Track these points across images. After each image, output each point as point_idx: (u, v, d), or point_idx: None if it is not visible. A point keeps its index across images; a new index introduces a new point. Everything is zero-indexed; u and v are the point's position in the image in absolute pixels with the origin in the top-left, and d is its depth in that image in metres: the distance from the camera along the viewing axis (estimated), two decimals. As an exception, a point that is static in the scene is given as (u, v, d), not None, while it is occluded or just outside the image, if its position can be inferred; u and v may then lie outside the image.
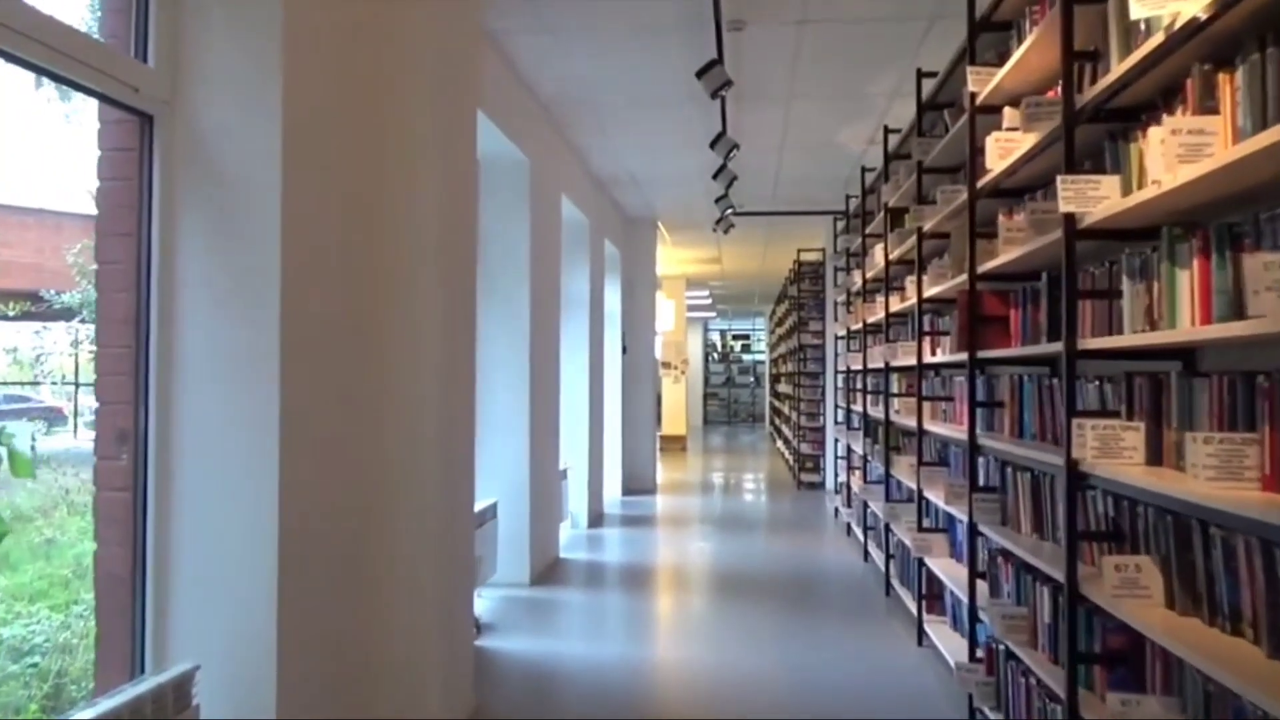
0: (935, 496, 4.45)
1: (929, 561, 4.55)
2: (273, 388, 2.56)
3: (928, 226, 4.59)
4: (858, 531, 7.38)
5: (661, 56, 5.31)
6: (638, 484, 10.75)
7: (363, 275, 3.14)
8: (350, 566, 3.05)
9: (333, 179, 2.92)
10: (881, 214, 5.95)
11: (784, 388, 15.28)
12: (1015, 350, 3.44)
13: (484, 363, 5.94)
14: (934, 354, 4.75)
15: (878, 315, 6.32)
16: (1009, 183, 3.59)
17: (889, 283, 5.82)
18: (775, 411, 18.27)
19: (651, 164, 8.15)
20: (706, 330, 26.79)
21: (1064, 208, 2.59)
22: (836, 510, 8.77)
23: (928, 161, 4.69)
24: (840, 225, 8.85)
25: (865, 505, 6.76)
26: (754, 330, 27.38)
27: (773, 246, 12.61)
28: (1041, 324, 3.27)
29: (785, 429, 14.80)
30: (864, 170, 7.01)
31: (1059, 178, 2.59)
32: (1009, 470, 3.57)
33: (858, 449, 7.34)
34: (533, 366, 5.99)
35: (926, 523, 4.77)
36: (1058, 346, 2.77)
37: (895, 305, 5.70)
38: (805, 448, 11.32)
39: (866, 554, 6.74)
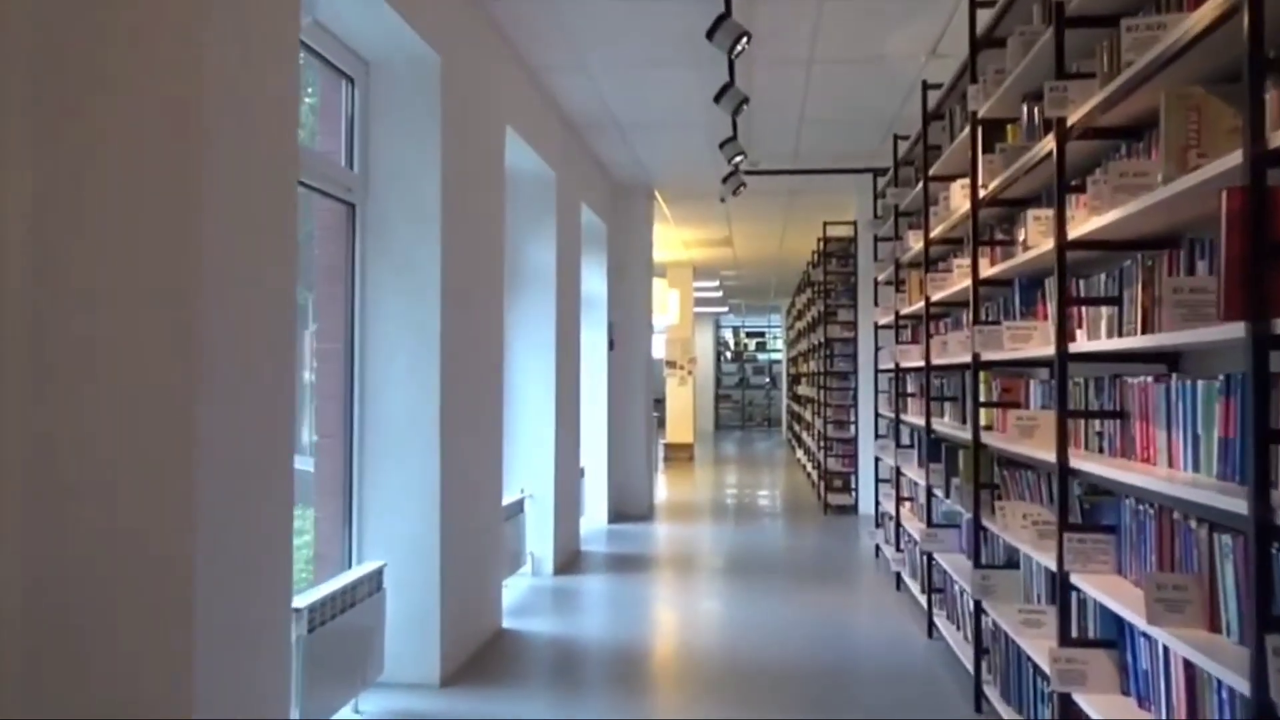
0: (1103, 593, 2.51)
1: (1083, 697, 2.62)
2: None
3: (1084, 111, 2.65)
4: (912, 587, 5.44)
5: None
6: (629, 508, 8.83)
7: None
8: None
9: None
10: (966, 131, 4.00)
11: (804, 390, 13.32)
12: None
13: (375, 353, 4.06)
14: (1104, 337, 2.81)
15: (952, 288, 4.38)
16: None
17: (976, 237, 3.88)
18: (794, 416, 16.31)
19: (642, 107, 6.24)
20: (718, 327, 24.83)
21: None
22: (878, 549, 6.83)
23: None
24: (883, 181, 6.88)
25: (928, 558, 4.82)
26: (769, 327, 25.41)
27: (793, 222, 10.65)
28: None
29: (806, 437, 12.85)
30: (926, 87, 5.06)
31: None
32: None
33: (913, 474, 5.39)
34: (445, 359, 4.09)
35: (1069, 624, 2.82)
36: None
37: (992, 269, 3.76)
38: (832, 463, 9.37)
39: (932, 627, 4.80)
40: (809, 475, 11.86)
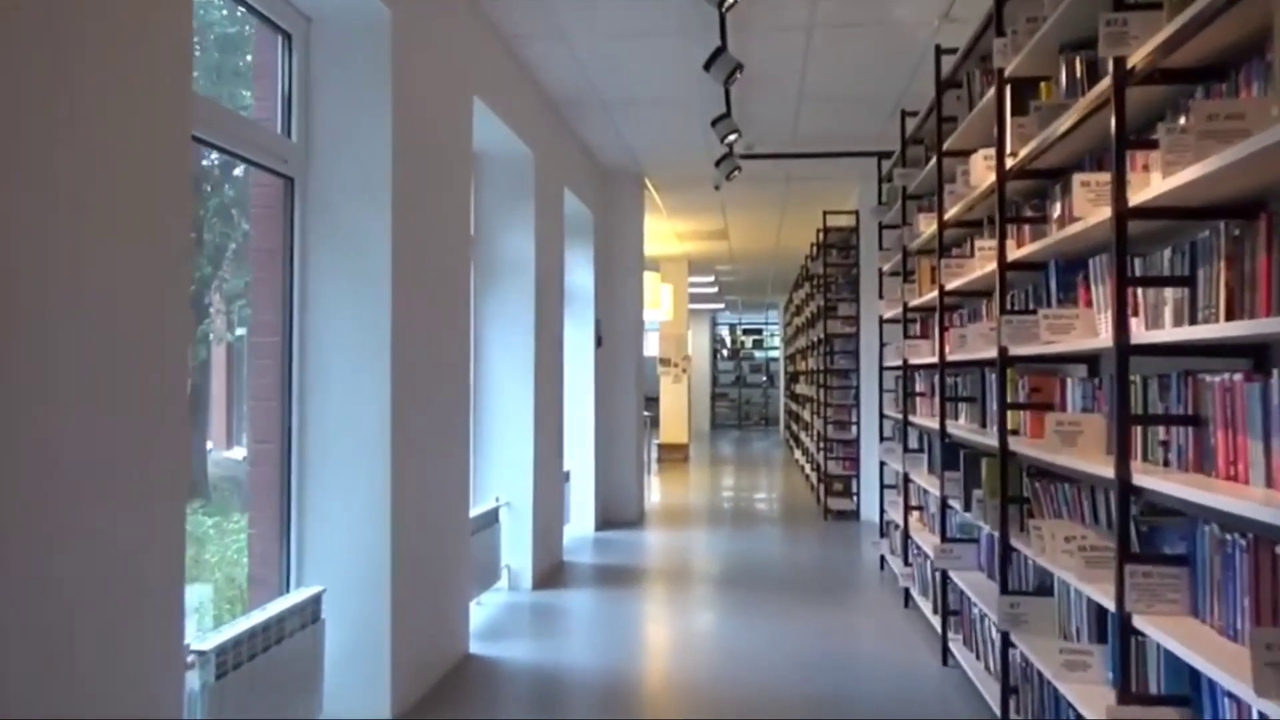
0: (1176, 641, 2.02)
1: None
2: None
3: (1149, 48, 2.16)
4: (923, 606, 4.95)
5: None
6: (618, 514, 8.34)
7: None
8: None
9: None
10: (990, 93, 3.50)
11: (802, 388, 12.84)
12: None
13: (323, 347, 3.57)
14: (1169, 325, 2.33)
15: (971, 275, 3.90)
16: None
17: (1003, 213, 3.39)
18: (792, 416, 15.83)
19: (627, 81, 5.74)
20: (714, 324, 24.34)
21: None
22: (883, 561, 6.34)
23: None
24: (888, 165, 6.38)
25: (943, 576, 4.33)
26: (766, 324, 24.92)
27: (791, 212, 10.16)
28: None
29: (805, 437, 12.37)
30: (939, 52, 4.56)
31: None
32: None
33: (924, 482, 4.91)
34: (396, 354, 3.59)
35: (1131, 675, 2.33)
36: None
37: (1021, 250, 3.27)
38: (833, 466, 8.88)
39: (947, 652, 4.31)
40: (807, 478, 11.37)
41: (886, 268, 6.24)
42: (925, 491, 5.18)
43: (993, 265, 3.47)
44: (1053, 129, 2.82)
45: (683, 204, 9.85)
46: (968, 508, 3.85)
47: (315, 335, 3.54)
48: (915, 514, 5.39)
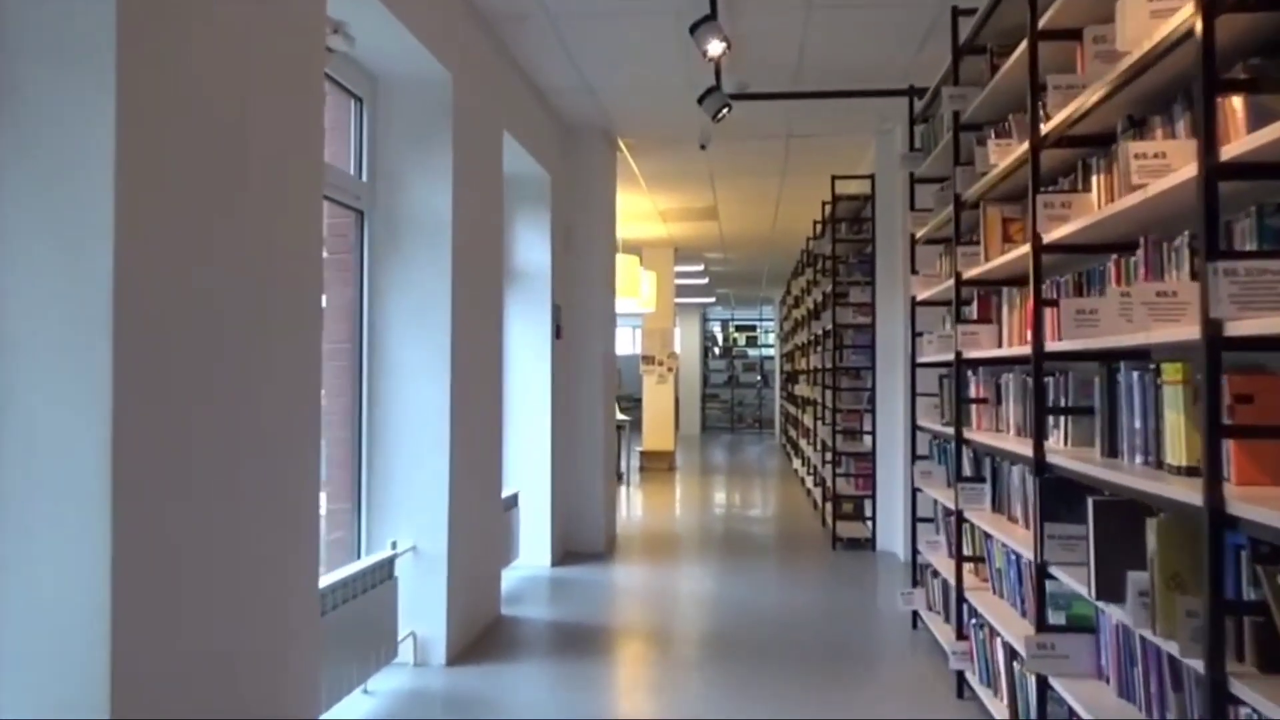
0: None
1: None
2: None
3: None
4: (991, 707, 3.44)
5: None
6: (581, 543, 6.83)
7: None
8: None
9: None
10: None
11: (802, 389, 11.34)
12: None
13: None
14: None
15: (1093, 215, 2.41)
16: None
17: (1213, 75, 1.89)
18: (789, 419, 14.33)
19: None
20: (705, 320, 22.82)
21: None
22: (916, 618, 4.85)
23: None
24: (920, 108, 4.85)
25: (1040, 684, 2.82)
26: (760, 320, 23.42)
27: (792, 180, 8.63)
28: None
29: (805, 445, 10.87)
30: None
31: None
32: None
33: (992, 527, 3.40)
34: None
35: None
36: None
37: (1239, 146, 1.77)
38: (842, 483, 7.37)
39: (1043, 800, 2.80)
40: (809, 493, 9.87)
41: (921, 233, 4.74)
42: (987, 537, 3.68)
43: (1172, 180, 1.97)
44: None
45: (664, 173, 8.34)
46: (1099, 592, 2.34)
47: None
48: (972, 567, 3.90)
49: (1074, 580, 2.55)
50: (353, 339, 4.20)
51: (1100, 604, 2.33)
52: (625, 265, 9.49)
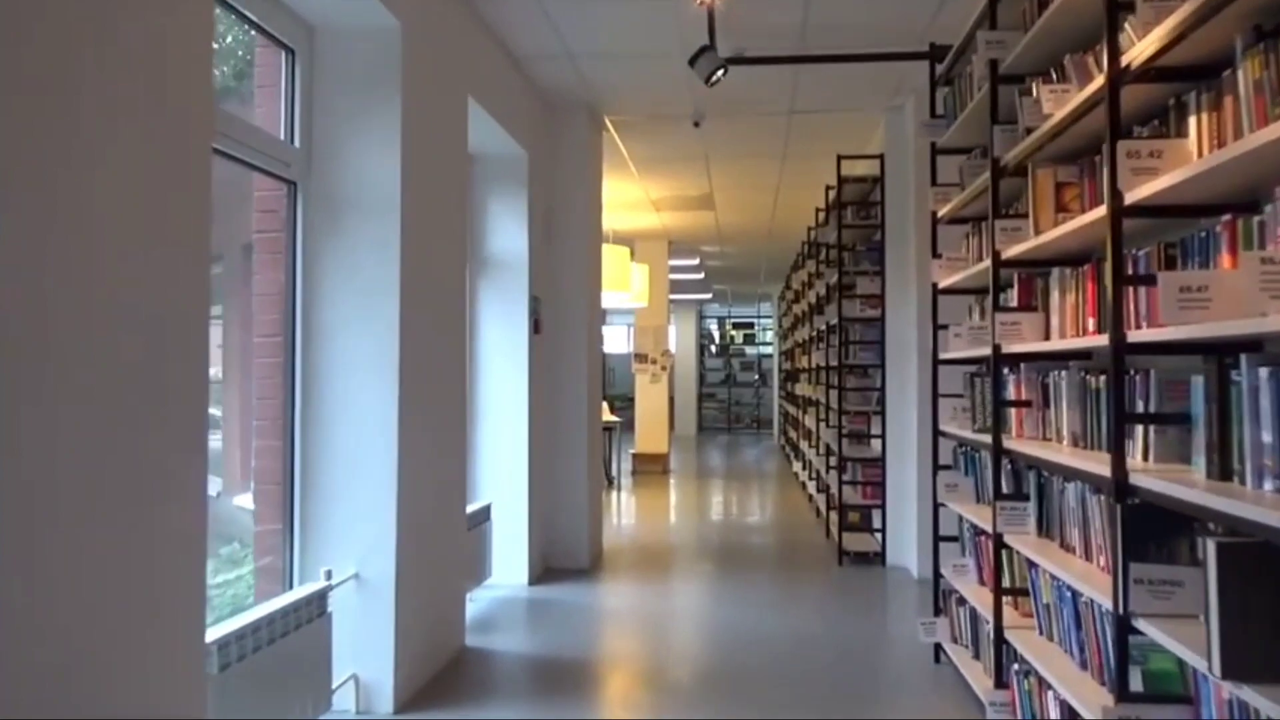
0: None
1: None
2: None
3: None
4: (1042, 772, 2.85)
5: None
6: (564, 558, 6.23)
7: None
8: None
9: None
10: None
11: (804, 389, 10.74)
12: None
13: None
14: None
15: (1199, 164, 1.80)
16: None
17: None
18: (789, 420, 13.72)
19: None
20: (702, 317, 22.21)
21: None
22: (939, 651, 4.24)
23: None
24: (940, 69, 4.23)
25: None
26: (759, 318, 22.81)
27: (793, 164, 8.03)
28: None
29: (806, 447, 10.26)
30: None
31: None
32: None
33: (1031, 550, 2.80)
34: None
35: None
36: None
37: None
38: (849, 492, 6.77)
39: None
40: (811, 499, 9.27)
41: (945, 211, 4.14)
42: (1031, 566, 3.08)
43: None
44: None
45: (655, 157, 7.74)
46: (1245, 674, 1.73)
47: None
48: (1013, 602, 3.29)
49: (1172, 639, 1.95)
50: (284, 331, 3.59)
51: (1229, 684, 1.72)
52: (615, 257, 8.90)
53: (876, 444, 6.62)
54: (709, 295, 19.91)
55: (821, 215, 8.38)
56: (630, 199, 9.43)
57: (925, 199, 4.52)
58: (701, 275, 15.89)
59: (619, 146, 7.22)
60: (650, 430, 12.57)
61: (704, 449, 16.99)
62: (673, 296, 16.41)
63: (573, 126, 6.29)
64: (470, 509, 5.05)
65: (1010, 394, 3.31)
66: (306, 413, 3.58)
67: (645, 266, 10.96)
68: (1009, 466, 3.33)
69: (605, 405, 11.39)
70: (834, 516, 7.07)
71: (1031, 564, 3.11)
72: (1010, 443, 3.21)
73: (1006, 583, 3.26)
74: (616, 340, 19.11)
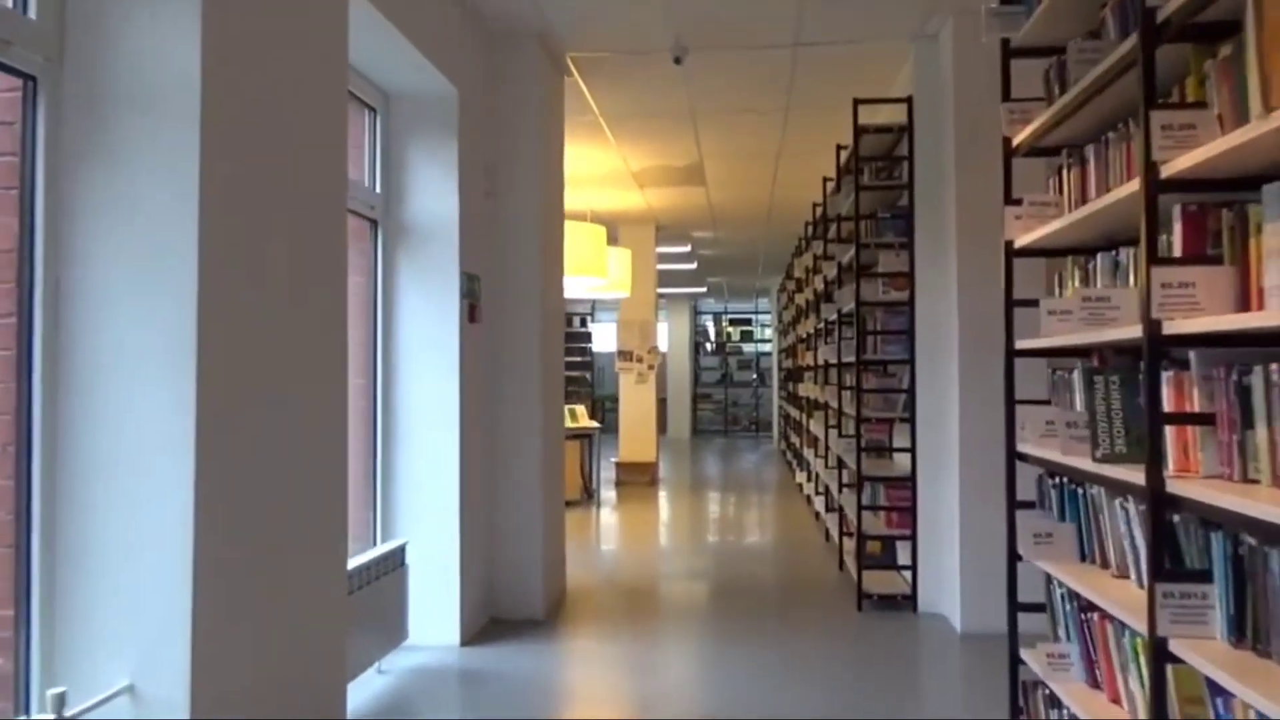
0: None
1: None
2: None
3: None
4: None
5: None
6: (513, 605, 4.92)
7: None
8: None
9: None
10: None
11: (808, 389, 9.43)
12: None
13: None
14: None
15: None
16: None
17: None
18: (791, 424, 12.42)
19: None
20: (696, 313, 20.90)
21: None
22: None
23: None
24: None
25: None
26: (756, 314, 21.52)
27: (797, 120, 6.70)
28: None
29: (810, 456, 8.96)
30: None
31: None
32: None
33: (1226, 671, 1.50)
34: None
35: None
36: None
37: None
38: (869, 519, 5.46)
39: None
40: (818, 516, 7.97)
41: (1024, 136, 2.86)
42: (1216, 693, 1.79)
43: None
44: None
45: (631, 112, 6.45)
46: None
47: None
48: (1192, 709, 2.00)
49: None
50: (18, 309, 2.30)
51: None
52: (588, 236, 7.62)
53: (902, 459, 5.33)
54: (704, 289, 18.62)
55: (831, 184, 7.08)
56: (608, 170, 8.13)
57: (978, 134, 3.22)
58: (694, 265, 14.60)
59: (585, 95, 5.92)
60: (635, 436, 11.26)
61: (698, 454, 15.70)
62: (663, 289, 15.13)
63: (521, 60, 5.00)
64: (369, 555, 3.76)
65: (1168, 402, 2.02)
66: (51, 434, 2.28)
67: (627, 251, 9.67)
68: (1170, 521, 2.03)
69: (582, 410, 10.11)
70: (849, 544, 5.78)
71: (1215, 688, 1.83)
72: (1177, 485, 1.92)
73: (1172, 715, 1.96)
74: (605, 338, 17.79)
